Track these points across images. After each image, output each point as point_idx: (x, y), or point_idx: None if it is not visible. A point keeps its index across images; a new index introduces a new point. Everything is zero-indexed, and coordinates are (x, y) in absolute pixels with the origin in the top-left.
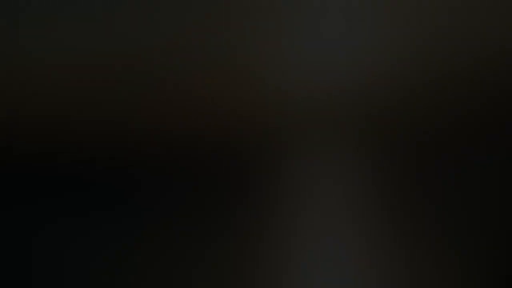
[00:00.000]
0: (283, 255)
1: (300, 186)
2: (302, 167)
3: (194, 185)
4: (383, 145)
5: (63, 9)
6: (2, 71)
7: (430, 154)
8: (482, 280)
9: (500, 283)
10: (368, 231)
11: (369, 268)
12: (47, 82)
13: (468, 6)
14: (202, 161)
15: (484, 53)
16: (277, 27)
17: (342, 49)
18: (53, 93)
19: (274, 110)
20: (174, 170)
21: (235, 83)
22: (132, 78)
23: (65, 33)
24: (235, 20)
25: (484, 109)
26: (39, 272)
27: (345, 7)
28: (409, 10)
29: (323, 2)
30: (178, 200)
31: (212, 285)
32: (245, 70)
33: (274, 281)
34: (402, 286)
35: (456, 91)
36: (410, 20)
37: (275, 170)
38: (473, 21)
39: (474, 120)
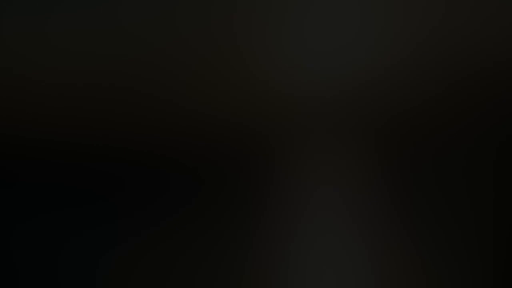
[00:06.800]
0: (281, 258)
1: (301, 188)
2: (303, 169)
3: (196, 186)
4: (383, 146)
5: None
6: (3, 71)
7: (431, 156)
8: (483, 280)
9: (501, 283)
10: (369, 233)
11: (370, 269)
12: (49, 84)
13: (469, 6)
14: (203, 161)
15: (486, 54)
16: (278, 28)
17: (342, 50)
18: (57, 95)
19: (274, 111)
20: (172, 170)
21: (235, 84)
22: (134, 78)
23: (71, 34)
24: (236, 20)
25: (485, 110)
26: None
27: (345, 7)
28: (409, 11)
29: (324, 2)
30: (179, 200)
31: (214, 285)
32: (246, 71)
33: (273, 282)
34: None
35: (455, 90)
36: (409, 21)
37: (275, 170)
38: (474, 21)
39: (475, 120)
